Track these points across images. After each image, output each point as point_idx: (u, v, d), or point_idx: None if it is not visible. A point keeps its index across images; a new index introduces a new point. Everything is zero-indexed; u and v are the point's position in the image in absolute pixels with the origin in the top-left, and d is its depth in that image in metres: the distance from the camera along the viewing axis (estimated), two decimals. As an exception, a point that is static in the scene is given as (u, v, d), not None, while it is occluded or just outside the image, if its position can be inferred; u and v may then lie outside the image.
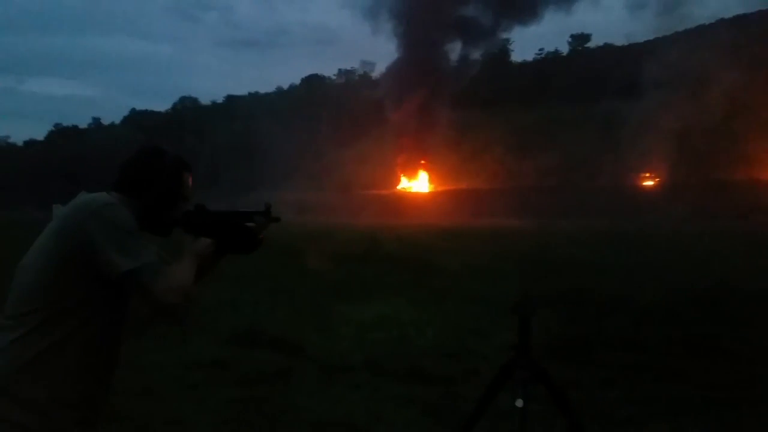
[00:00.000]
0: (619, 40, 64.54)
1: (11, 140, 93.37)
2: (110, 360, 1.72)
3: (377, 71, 69.30)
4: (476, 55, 51.93)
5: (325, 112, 60.08)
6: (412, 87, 46.69)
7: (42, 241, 1.66)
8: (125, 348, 1.78)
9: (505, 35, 57.47)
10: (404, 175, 54.22)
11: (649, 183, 43.80)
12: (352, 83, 72.45)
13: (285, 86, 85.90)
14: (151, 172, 1.75)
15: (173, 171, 1.79)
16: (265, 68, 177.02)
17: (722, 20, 47.56)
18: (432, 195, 50.23)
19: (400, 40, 49.26)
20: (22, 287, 1.62)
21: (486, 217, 35.33)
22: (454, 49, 49.92)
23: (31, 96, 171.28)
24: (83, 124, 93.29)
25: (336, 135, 55.08)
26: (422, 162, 52.62)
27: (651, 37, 53.43)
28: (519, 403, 2.01)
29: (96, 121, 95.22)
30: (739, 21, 46.55)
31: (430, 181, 53.84)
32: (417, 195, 51.73)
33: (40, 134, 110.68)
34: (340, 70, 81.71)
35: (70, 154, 71.58)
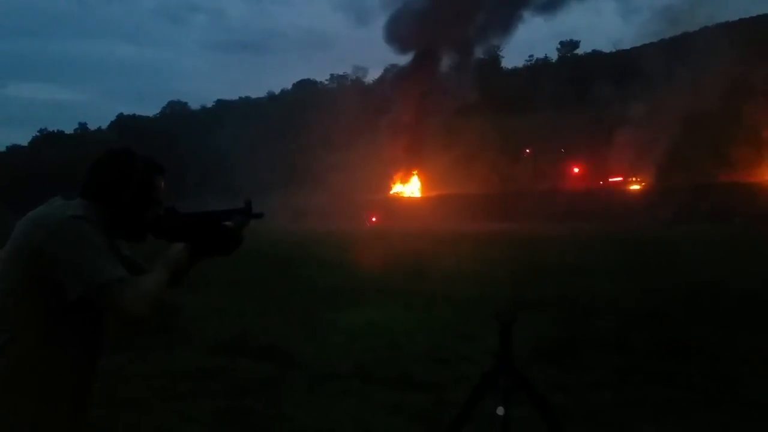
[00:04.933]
0: (607, 47, 65.37)
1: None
2: (84, 377, 1.66)
3: (370, 77, 69.37)
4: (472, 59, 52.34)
5: (317, 117, 60.10)
6: (408, 93, 46.93)
7: (4, 255, 1.58)
8: (107, 360, 1.76)
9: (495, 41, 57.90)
10: (396, 180, 54.36)
11: (636, 188, 44.24)
12: (345, 88, 72.52)
13: (276, 91, 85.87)
14: (120, 175, 1.65)
15: (144, 174, 1.69)
16: (256, 72, 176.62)
17: (706, 28, 48.21)
18: (423, 200, 50.38)
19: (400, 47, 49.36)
20: None
21: (476, 221, 35.47)
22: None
23: (14, 100, 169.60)
24: (69, 130, 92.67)
25: (328, 140, 55.10)
26: (415, 169, 52.85)
27: (638, 44, 54.07)
28: (500, 410, 2.03)
29: (82, 126, 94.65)
30: (723, 28, 47.21)
31: (422, 186, 54.02)
32: (409, 200, 51.87)
33: (23, 139, 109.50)
34: (332, 75, 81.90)
35: (54, 160, 70.91)
